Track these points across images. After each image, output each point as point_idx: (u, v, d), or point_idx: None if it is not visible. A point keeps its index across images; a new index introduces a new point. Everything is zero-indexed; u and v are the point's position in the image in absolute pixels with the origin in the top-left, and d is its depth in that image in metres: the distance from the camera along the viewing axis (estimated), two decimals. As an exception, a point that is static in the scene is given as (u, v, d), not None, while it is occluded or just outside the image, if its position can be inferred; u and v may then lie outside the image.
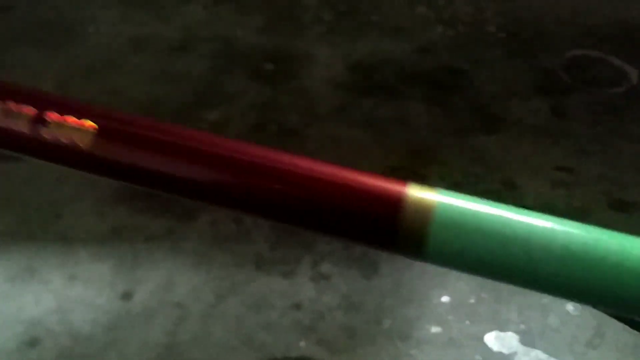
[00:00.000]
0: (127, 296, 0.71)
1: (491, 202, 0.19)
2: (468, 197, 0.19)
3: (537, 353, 0.66)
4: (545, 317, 0.69)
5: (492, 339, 0.67)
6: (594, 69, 1.00)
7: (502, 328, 0.68)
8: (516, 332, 0.68)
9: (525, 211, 0.19)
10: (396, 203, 0.19)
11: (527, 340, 0.67)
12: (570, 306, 0.70)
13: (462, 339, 0.67)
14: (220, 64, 1.01)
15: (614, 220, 0.75)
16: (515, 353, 0.66)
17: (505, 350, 0.67)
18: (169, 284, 0.72)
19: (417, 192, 0.19)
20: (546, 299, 0.71)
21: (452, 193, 0.20)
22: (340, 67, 1.00)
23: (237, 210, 0.21)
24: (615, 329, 0.68)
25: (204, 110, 0.93)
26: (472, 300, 0.71)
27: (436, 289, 0.72)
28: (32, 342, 0.66)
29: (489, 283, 0.72)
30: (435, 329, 0.68)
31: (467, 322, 0.69)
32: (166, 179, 0.21)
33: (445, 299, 0.71)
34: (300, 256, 0.75)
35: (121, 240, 0.76)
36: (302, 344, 0.67)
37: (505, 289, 0.72)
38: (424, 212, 0.19)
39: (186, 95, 0.96)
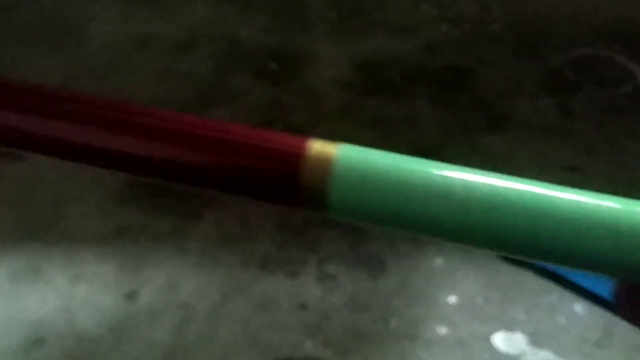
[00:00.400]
0: (132, 296, 0.70)
1: (394, 154, 0.19)
2: (370, 150, 0.19)
3: (545, 353, 0.66)
4: (553, 317, 0.69)
5: (500, 339, 0.67)
6: (600, 68, 1.00)
7: (510, 328, 0.68)
8: (524, 332, 0.67)
9: (428, 161, 0.19)
10: (296, 159, 0.19)
11: (535, 340, 0.67)
12: (578, 306, 0.70)
13: (470, 339, 0.67)
14: (225, 63, 1.00)
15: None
16: (523, 353, 0.66)
17: (513, 351, 0.66)
18: (174, 284, 0.72)
19: (317, 148, 0.19)
20: (554, 299, 0.70)
21: (353, 147, 0.19)
22: (346, 66, 1.00)
23: (132, 173, 0.21)
24: (624, 329, 0.67)
25: (209, 109, 0.93)
26: (479, 301, 0.70)
27: (443, 289, 0.71)
28: (37, 343, 0.66)
29: (497, 283, 0.72)
30: (442, 329, 0.68)
31: (475, 322, 0.68)
32: (48, 142, 0.21)
33: (452, 299, 0.70)
34: (305, 256, 0.74)
35: (126, 240, 0.76)
36: (308, 344, 0.67)
37: (513, 289, 0.71)
38: (324, 167, 0.19)
39: (190, 94, 0.95)
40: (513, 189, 0.19)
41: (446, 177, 0.19)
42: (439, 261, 0.74)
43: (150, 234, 0.77)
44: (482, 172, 0.19)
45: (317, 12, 1.10)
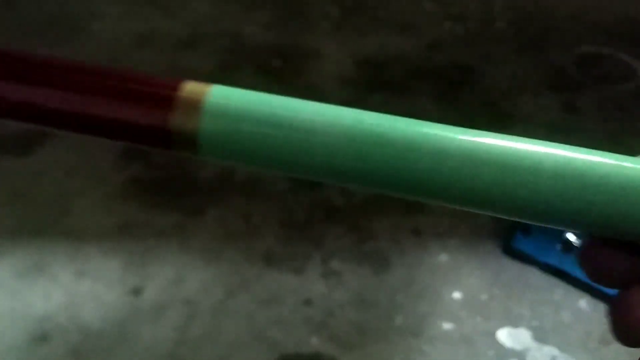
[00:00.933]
0: (136, 292, 0.70)
1: (267, 95, 0.19)
2: (243, 90, 0.19)
3: (549, 349, 0.66)
4: (557, 313, 0.69)
5: (505, 335, 0.67)
6: (604, 66, 1.00)
7: (515, 324, 0.68)
8: (529, 328, 0.68)
9: (297, 100, 0.19)
10: (167, 100, 0.19)
11: (540, 336, 0.67)
12: (583, 302, 0.70)
13: (475, 335, 0.67)
14: (228, 60, 1.00)
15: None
16: (527, 349, 0.66)
17: (517, 346, 0.66)
18: (179, 280, 0.71)
19: (189, 88, 0.19)
20: (559, 295, 0.70)
21: (225, 87, 0.19)
22: (349, 63, 1.00)
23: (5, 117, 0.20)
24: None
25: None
26: (484, 297, 0.70)
27: (448, 285, 0.71)
28: (42, 338, 0.66)
29: (501, 279, 0.72)
30: (447, 325, 0.68)
31: (479, 318, 0.68)
32: None
33: (457, 295, 0.71)
34: (310, 252, 0.74)
35: (130, 236, 0.76)
36: (314, 340, 0.67)
37: (518, 285, 0.71)
38: (193, 107, 0.19)
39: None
40: (379, 124, 0.18)
41: (310, 114, 0.18)
42: (443, 257, 0.74)
43: (154, 230, 0.77)
44: (344, 108, 0.19)
45: (320, 9, 1.10)
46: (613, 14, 1.08)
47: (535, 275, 0.72)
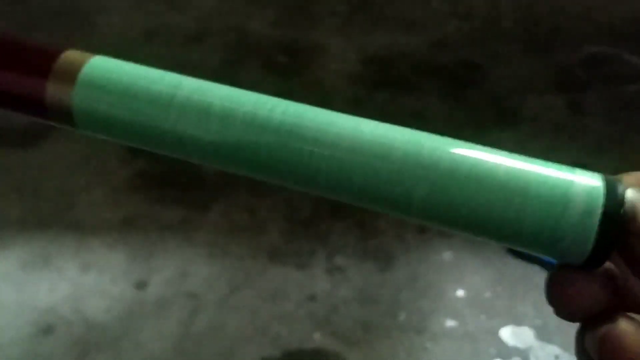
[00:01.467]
0: (141, 285, 0.70)
1: (146, 68, 0.18)
2: (126, 63, 0.19)
3: (552, 348, 0.66)
4: (561, 313, 0.69)
5: (508, 334, 0.67)
6: (610, 66, 1.00)
7: (518, 322, 0.68)
8: (532, 326, 0.68)
9: (179, 76, 0.18)
10: (44, 69, 0.18)
11: (543, 335, 0.67)
12: (586, 302, 0.70)
13: (478, 333, 0.67)
14: (234, 56, 1.00)
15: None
16: (530, 348, 0.66)
17: (520, 345, 0.66)
18: (183, 274, 0.72)
19: (69, 58, 0.18)
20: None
21: (106, 59, 0.19)
22: (355, 60, 1.00)
23: None
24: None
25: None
26: (487, 295, 0.70)
27: (452, 282, 0.71)
28: (46, 330, 0.66)
29: (505, 277, 0.72)
30: (450, 323, 0.68)
31: (483, 316, 0.68)
32: None
33: (460, 292, 0.71)
34: (314, 248, 0.75)
35: (135, 230, 0.76)
36: (317, 336, 0.67)
37: (521, 283, 0.71)
38: (69, 78, 0.18)
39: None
40: (271, 109, 0.18)
41: (188, 91, 0.18)
42: (447, 255, 0.74)
43: (159, 224, 0.77)
44: (221, 87, 0.18)
45: (327, 5, 1.10)
46: (620, 15, 1.08)
47: (538, 274, 0.72)
